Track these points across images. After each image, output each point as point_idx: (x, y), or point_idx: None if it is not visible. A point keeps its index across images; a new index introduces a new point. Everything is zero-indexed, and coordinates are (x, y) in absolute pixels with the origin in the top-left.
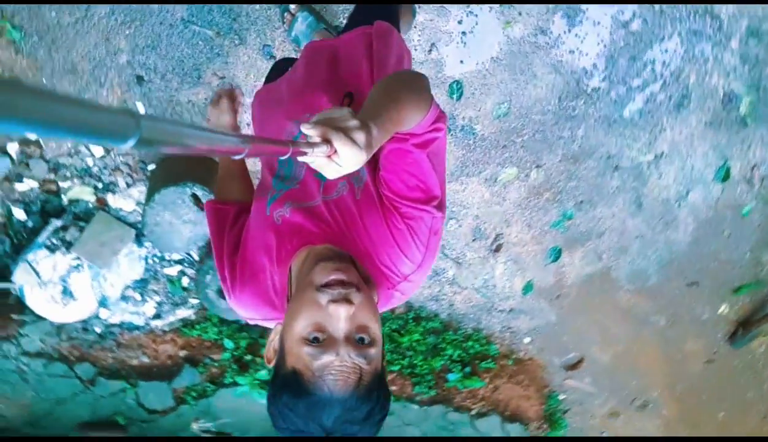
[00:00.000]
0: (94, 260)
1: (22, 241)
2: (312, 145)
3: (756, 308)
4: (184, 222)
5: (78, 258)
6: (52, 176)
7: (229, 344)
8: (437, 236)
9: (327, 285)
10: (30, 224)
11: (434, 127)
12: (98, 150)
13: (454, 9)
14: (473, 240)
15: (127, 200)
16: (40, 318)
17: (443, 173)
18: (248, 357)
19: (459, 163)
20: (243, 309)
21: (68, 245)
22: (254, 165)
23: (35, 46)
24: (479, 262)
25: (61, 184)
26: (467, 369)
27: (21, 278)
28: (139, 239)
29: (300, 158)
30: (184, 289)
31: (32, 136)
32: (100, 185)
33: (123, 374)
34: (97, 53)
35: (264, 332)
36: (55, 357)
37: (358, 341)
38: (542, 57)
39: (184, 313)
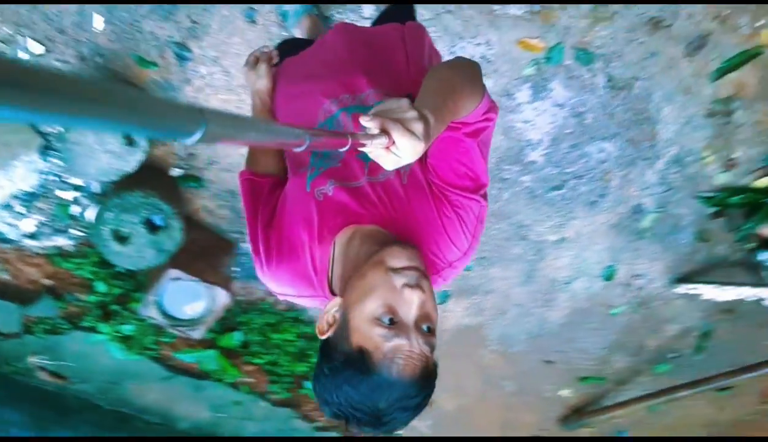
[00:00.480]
0: None
1: None
2: (371, 137)
3: (592, 400)
4: (106, 151)
5: None
6: None
7: (101, 287)
8: (482, 224)
9: (404, 269)
10: None
11: (485, 117)
12: (36, 47)
13: (439, 44)
14: None
15: None
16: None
17: (487, 160)
18: (116, 307)
19: None
20: (278, 283)
21: None
22: None
23: None
24: None
25: None
26: None
27: None
28: (45, 151)
29: (359, 150)
30: (71, 217)
31: None
32: None
33: None
34: None
35: (139, 288)
36: None
37: (426, 330)
38: (499, 118)
39: (62, 242)
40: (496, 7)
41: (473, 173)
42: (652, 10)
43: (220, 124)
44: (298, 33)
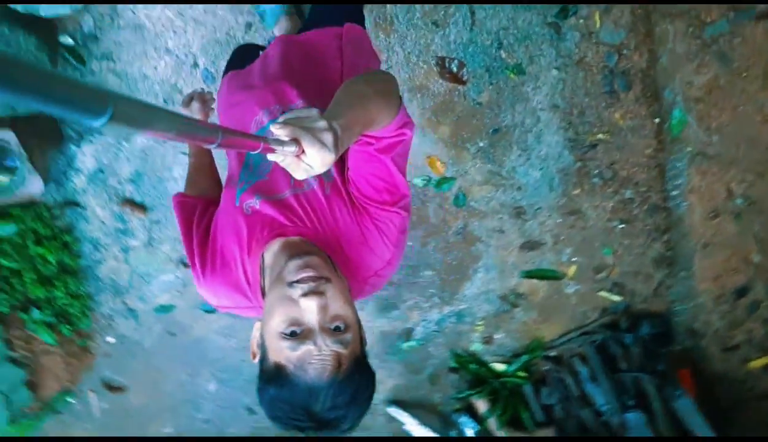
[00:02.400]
0: None
1: None
2: (281, 143)
3: None
4: None
5: None
6: None
7: None
8: (404, 234)
9: (298, 281)
10: None
11: (399, 132)
12: None
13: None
14: None
15: None
16: None
17: (405, 172)
18: None
19: None
20: (214, 296)
21: None
22: (222, 158)
23: None
24: None
25: None
26: (51, 319)
27: None
28: None
29: (269, 156)
30: None
31: None
32: None
33: None
34: None
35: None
36: None
37: (334, 329)
38: None
39: None
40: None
41: (392, 187)
42: (525, 202)
43: (128, 112)
44: (278, 32)
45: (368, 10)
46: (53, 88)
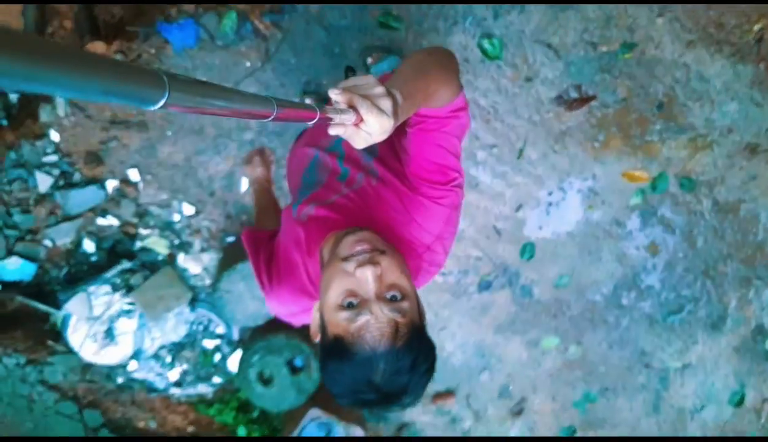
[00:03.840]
0: (148, 310)
1: (78, 273)
2: (339, 111)
3: None
4: (253, 297)
5: (132, 304)
6: (135, 220)
7: (242, 431)
8: (456, 210)
9: (353, 254)
10: (93, 258)
11: (455, 114)
12: (189, 209)
13: (549, 181)
14: (499, 397)
15: (195, 263)
16: (71, 352)
17: (458, 153)
18: None
19: (510, 319)
20: (282, 304)
21: (129, 289)
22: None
23: None
24: (498, 421)
25: (141, 230)
26: None
27: (74, 306)
28: (193, 303)
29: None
30: (214, 365)
31: (134, 177)
32: (176, 241)
33: (127, 432)
34: (226, 125)
35: (275, 431)
36: (69, 395)
37: (390, 298)
38: (611, 245)
39: (204, 389)
40: (596, 143)
41: (444, 168)
42: (747, 136)
43: (183, 91)
44: None
45: (471, 114)
46: (108, 74)
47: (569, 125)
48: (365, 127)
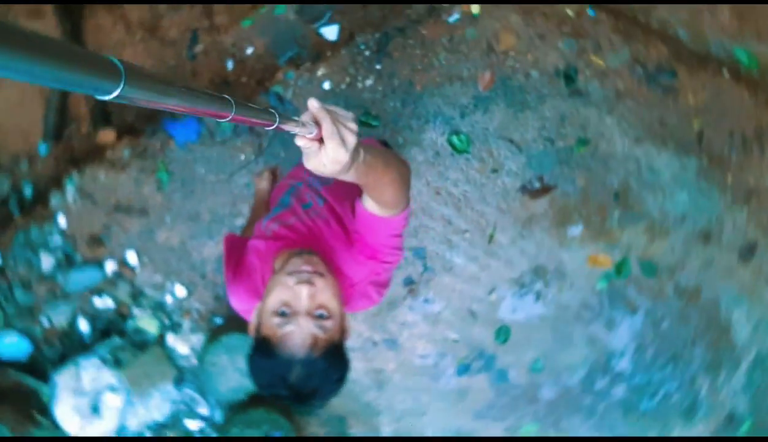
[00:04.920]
0: (134, 387)
1: (69, 350)
2: (300, 123)
3: None
4: (236, 369)
5: (119, 380)
6: (129, 301)
7: None
8: (385, 274)
9: (297, 272)
10: (86, 336)
11: (403, 221)
12: (181, 291)
13: (519, 265)
14: None
15: (183, 344)
16: (56, 426)
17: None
18: None
19: (487, 404)
20: (239, 301)
21: (118, 364)
22: None
23: (175, 189)
24: None
25: (134, 310)
26: None
27: (63, 379)
28: (178, 383)
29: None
30: None
31: (132, 260)
32: (167, 322)
33: None
34: (220, 211)
35: None
36: None
37: (317, 316)
38: (581, 328)
39: None
40: (561, 229)
41: (387, 248)
42: (700, 223)
43: (139, 83)
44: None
45: (444, 202)
46: (62, 59)
47: (534, 213)
48: (324, 152)
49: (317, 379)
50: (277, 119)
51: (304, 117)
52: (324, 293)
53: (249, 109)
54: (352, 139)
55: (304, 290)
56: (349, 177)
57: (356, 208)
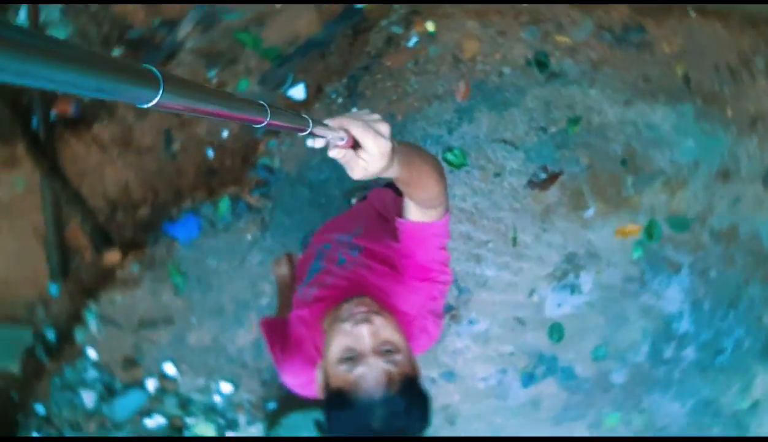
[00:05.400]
0: None
1: None
2: (330, 128)
3: None
4: None
5: None
6: (180, 412)
7: None
8: (440, 298)
9: (351, 316)
10: None
11: (445, 227)
12: (227, 387)
13: (550, 258)
14: None
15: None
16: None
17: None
18: None
19: (563, 406)
20: (294, 376)
21: None
22: None
23: (192, 288)
24: None
25: (187, 420)
26: None
27: None
28: None
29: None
30: None
31: (170, 372)
32: (222, 422)
33: None
34: (242, 296)
35: None
36: None
37: (384, 352)
38: (632, 303)
39: None
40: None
41: (438, 264)
42: (715, 164)
43: (177, 90)
44: None
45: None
46: (101, 69)
47: (549, 203)
48: (363, 153)
49: (401, 418)
50: (311, 124)
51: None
52: (385, 329)
53: (283, 114)
54: (384, 127)
55: (364, 329)
56: (394, 170)
57: (399, 227)
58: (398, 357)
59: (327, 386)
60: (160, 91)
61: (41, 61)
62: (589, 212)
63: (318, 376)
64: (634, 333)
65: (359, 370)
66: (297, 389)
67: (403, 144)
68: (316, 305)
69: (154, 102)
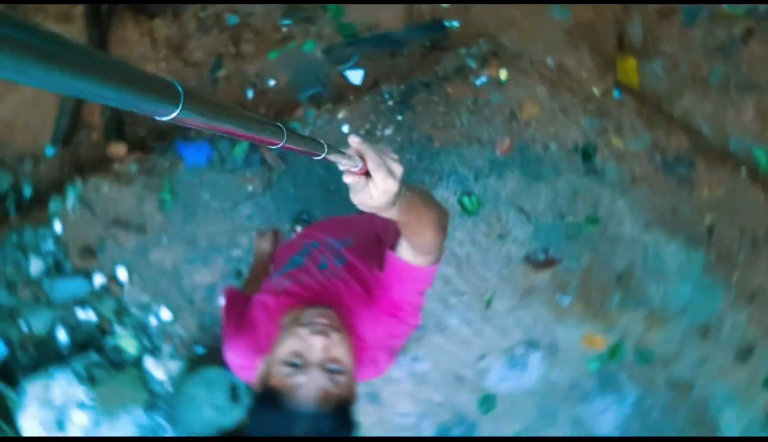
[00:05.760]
0: (104, 407)
1: (44, 359)
2: (345, 155)
3: None
4: (212, 405)
5: (89, 397)
6: (113, 318)
7: None
8: (401, 338)
9: (312, 323)
10: (63, 348)
11: (431, 273)
12: (166, 315)
13: (514, 334)
14: None
15: (160, 369)
16: (17, 434)
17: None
18: None
19: None
20: (237, 356)
21: (91, 381)
22: None
23: (177, 210)
24: None
25: (117, 328)
26: None
27: (34, 388)
28: (149, 409)
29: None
30: None
31: (122, 277)
32: (147, 344)
33: None
34: (219, 240)
35: None
36: None
37: (329, 369)
38: (567, 408)
39: None
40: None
41: (411, 305)
42: (700, 318)
43: (196, 107)
44: None
45: (446, 260)
46: (122, 79)
47: (535, 284)
48: (371, 184)
49: (324, 433)
50: (326, 149)
51: (349, 152)
52: (338, 347)
53: (299, 138)
54: (398, 169)
55: (318, 341)
56: (393, 212)
57: (388, 259)
58: (341, 379)
59: (264, 382)
60: (180, 107)
61: (61, 69)
62: (562, 301)
63: (260, 367)
64: (557, 436)
65: (300, 378)
66: (235, 369)
67: (412, 188)
68: (283, 298)
69: (172, 116)
